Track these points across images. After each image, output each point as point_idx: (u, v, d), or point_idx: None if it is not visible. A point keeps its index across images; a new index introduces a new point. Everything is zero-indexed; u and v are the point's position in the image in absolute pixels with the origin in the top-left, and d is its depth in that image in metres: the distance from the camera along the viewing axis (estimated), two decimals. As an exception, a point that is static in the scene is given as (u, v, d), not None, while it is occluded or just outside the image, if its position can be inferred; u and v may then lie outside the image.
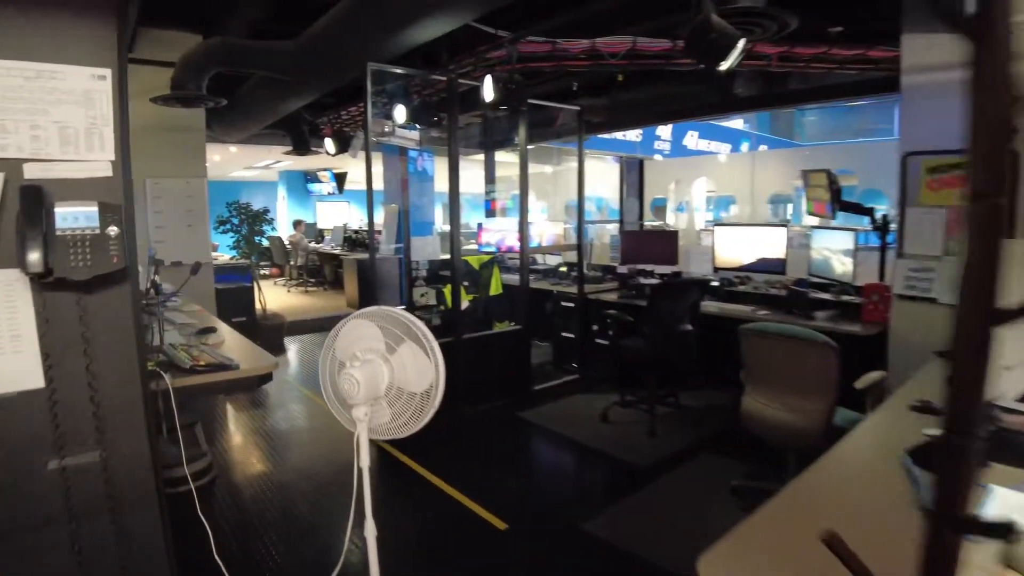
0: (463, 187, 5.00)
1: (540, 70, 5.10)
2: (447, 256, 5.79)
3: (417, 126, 5.21)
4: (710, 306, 4.73)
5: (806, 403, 2.99)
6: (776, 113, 20.25)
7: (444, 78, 4.59)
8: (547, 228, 6.91)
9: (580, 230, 5.54)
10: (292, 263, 11.35)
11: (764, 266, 5.20)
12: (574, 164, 9.57)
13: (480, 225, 7.26)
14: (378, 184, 10.38)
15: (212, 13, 5.34)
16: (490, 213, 7.85)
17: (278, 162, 11.44)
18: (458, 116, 4.45)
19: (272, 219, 7.61)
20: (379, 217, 10.61)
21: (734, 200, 8.65)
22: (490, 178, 7.82)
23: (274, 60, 4.95)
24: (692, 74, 5.73)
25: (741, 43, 2.99)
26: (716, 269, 5.44)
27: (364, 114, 3.99)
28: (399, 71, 4.23)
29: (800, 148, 12.38)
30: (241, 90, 6.70)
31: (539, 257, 7.19)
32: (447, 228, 4.99)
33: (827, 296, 4.57)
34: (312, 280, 11.15)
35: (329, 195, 13.58)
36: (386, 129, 6.72)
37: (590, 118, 5.91)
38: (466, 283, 6.17)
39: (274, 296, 10.67)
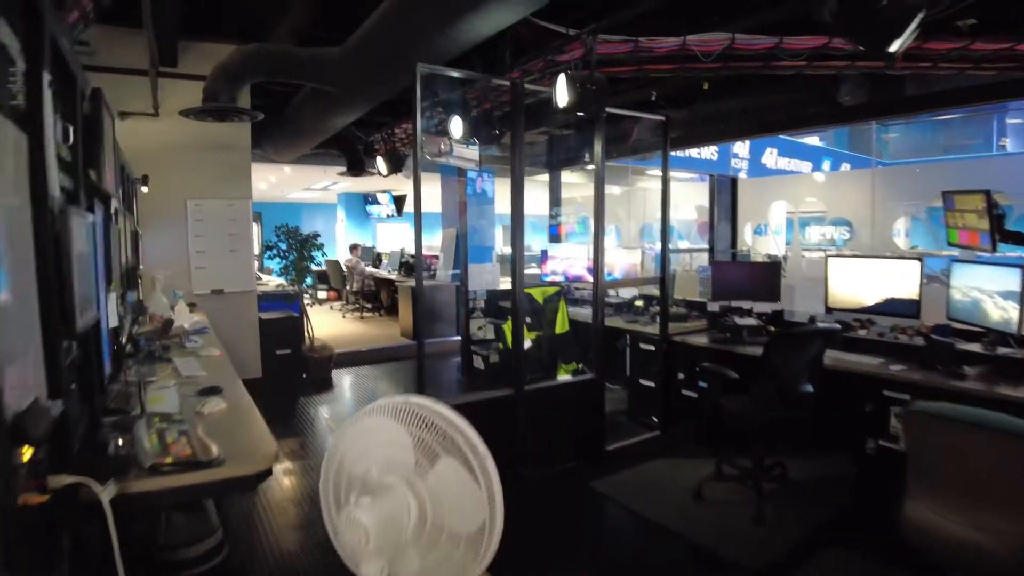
0: (527, 210, 4.31)
1: (617, 77, 4.36)
2: (508, 285, 5.11)
3: (476, 142, 4.53)
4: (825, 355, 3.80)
5: (1008, 522, 2.09)
6: (855, 129, 18.74)
7: (507, 83, 3.89)
8: (620, 257, 6.10)
9: (664, 260, 4.70)
10: (348, 288, 10.94)
11: (891, 307, 4.24)
12: (647, 184, 8.79)
13: (544, 252, 6.51)
14: (435, 206, 9.87)
15: (256, 22, 4.87)
16: (555, 238, 7.11)
17: (335, 183, 11.10)
18: (523, 128, 3.73)
19: (321, 244, 7.03)
20: (437, 241, 10.11)
21: (822, 221, 7.61)
22: (555, 200, 7.08)
23: (319, 68, 4.40)
24: (789, 81, 4.88)
25: (920, 15, 2.15)
26: (829, 309, 4.49)
27: (413, 125, 3.31)
28: (455, 74, 3.57)
29: (903, 165, 11.09)
30: (290, 106, 6.24)
31: (610, 289, 6.36)
32: (509, 251, 4.30)
33: (977, 348, 3.59)
34: (368, 306, 10.69)
35: (388, 217, 13.20)
36: (442, 148, 6.13)
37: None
38: (528, 319, 5.41)
39: (328, 322, 10.24)
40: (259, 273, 10.13)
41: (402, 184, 12.04)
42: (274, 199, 14.14)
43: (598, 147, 4.16)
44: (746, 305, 4.86)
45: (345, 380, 6.94)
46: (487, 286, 6.63)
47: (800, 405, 3.64)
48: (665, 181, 4.66)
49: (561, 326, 5.50)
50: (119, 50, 5.13)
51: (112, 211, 2.79)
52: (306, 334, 7.22)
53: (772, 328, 4.62)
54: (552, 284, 6.12)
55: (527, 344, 5.33)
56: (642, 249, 6.48)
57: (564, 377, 5.51)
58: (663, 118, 4.54)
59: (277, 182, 11.15)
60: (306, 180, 10.97)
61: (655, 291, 5.43)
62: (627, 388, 5.28)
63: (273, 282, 8.40)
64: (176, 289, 5.05)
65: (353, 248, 11.01)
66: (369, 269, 10.58)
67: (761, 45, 3.93)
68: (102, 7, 3.09)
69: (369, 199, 13.33)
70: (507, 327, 5.53)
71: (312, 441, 4.91)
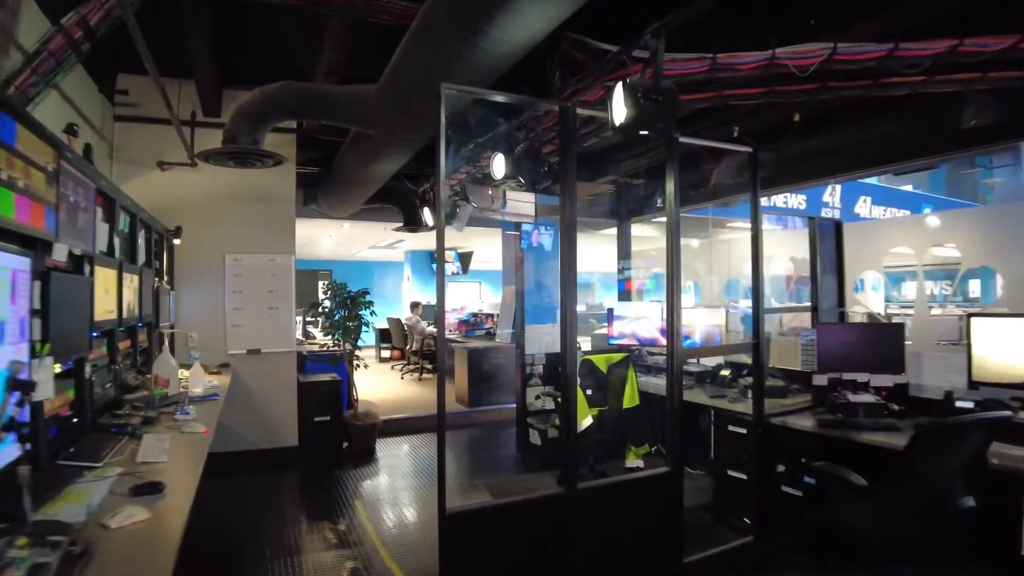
0: (595, 265, 3.62)
1: (691, 106, 3.65)
2: (579, 346, 4.36)
3: (521, 181, 3.87)
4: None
5: None
6: (953, 174, 16.86)
7: (555, 108, 3.25)
8: (700, 317, 5.20)
9: (758, 322, 3.80)
10: (408, 347, 10.45)
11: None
12: (730, 235, 7.82)
13: (611, 312, 5.69)
14: (494, 262, 9.19)
15: (298, 67, 4.50)
16: (624, 295, 6.28)
17: (399, 241, 10.81)
18: (574, 161, 3.05)
19: (370, 302, 6.51)
20: (498, 299, 9.50)
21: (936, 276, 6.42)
22: (625, 252, 6.30)
23: (351, 107, 3.94)
24: (897, 108, 3.99)
25: None
26: (974, 383, 3.44)
27: (436, 157, 2.70)
28: (499, 98, 2.96)
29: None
30: (337, 156, 5.89)
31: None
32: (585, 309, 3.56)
33: None
34: (429, 367, 10.12)
35: (454, 275, 12.81)
36: (493, 198, 5.54)
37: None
38: (588, 391, 4.59)
39: (384, 384, 9.71)
40: (313, 332, 9.82)
41: (467, 241, 11.64)
42: (343, 257, 14.09)
43: (670, 185, 3.41)
44: (861, 377, 3.86)
45: (389, 451, 6.25)
46: (546, 349, 5.86)
47: (954, 523, 2.62)
48: (756, 223, 3.82)
49: (630, 399, 4.63)
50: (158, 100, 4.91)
51: (59, 259, 2.28)
52: (351, 399, 6.65)
53: (895, 407, 3.61)
54: (620, 349, 5.27)
55: (587, 422, 4.51)
56: (727, 308, 5.55)
57: (635, 463, 4.61)
58: (750, 149, 3.74)
59: (339, 239, 10.98)
60: (369, 237, 10.74)
61: (744, 358, 4.49)
62: (711, 475, 4.30)
63: (321, 342, 7.98)
64: (193, 350, 4.59)
65: (414, 306, 10.57)
66: (429, 328, 10.05)
67: (869, 55, 3.13)
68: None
69: (435, 257, 12.96)
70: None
71: (341, 528, 4.20)
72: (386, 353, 11.83)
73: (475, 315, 10.57)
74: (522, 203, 5.64)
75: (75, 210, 2.44)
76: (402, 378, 10.13)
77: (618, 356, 4.73)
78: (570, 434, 3.21)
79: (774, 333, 4.71)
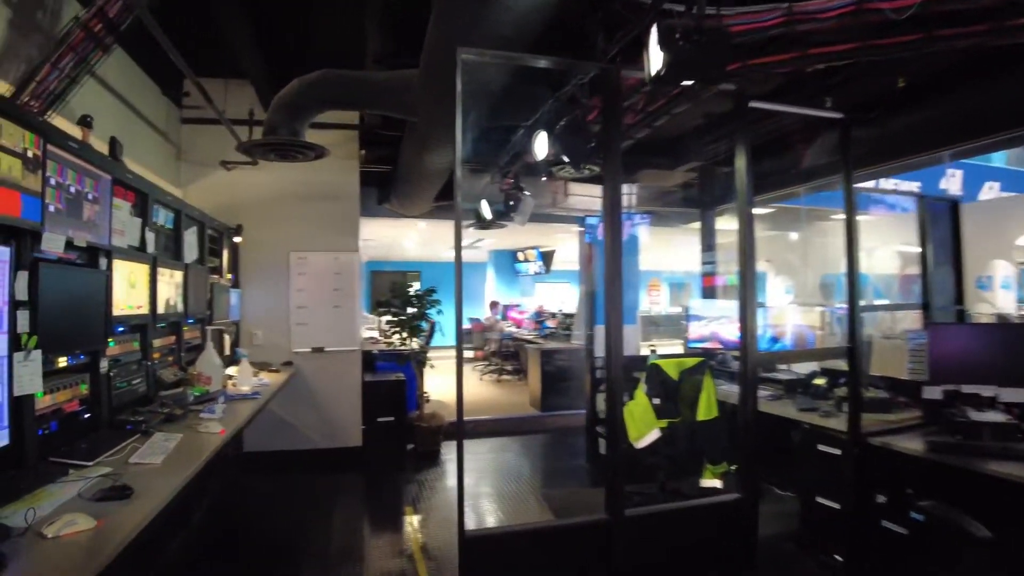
0: (680, 263, 3.17)
1: (765, 68, 3.10)
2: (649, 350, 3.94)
3: (566, 160, 3.48)
4: None
5: None
6: None
7: (597, 70, 2.85)
8: (792, 316, 4.58)
9: (853, 322, 3.20)
10: (487, 348, 10.27)
11: None
12: (829, 224, 6.95)
13: (688, 311, 5.16)
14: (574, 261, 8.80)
15: (348, 58, 4.37)
16: (708, 293, 5.71)
17: (480, 240, 10.66)
18: (619, 131, 2.65)
19: (437, 300, 6.33)
20: (575, 299, 9.10)
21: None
22: (708, 245, 5.72)
23: (393, 93, 3.73)
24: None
25: None
26: None
27: (453, 136, 2.41)
28: (531, 63, 2.61)
29: None
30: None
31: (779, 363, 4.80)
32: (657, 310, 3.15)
33: None
34: (509, 368, 9.89)
35: (536, 275, 12.50)
36: (556, 193, 5.18)
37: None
38: (656, 400, 4.12)
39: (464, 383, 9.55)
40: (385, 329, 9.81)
41: (550, 239, 11.31)
42: (428, 259, 14.17)
43: (740, 160, 2.92)
44: (986, 391, 3.15)
45: (455, 455, 6.02)
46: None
47: None
48: (850, 206, 3.22)
49: (706, 410, 4.10)
50: (221, 101, 4.96)
51: (55, 250, 2.19)
52: (419, 400, 6.50)
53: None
54: (696, 353, 4.75)
55: (653, 435, 4.05)
56: (824, 308, 4.88)
57: (712, 482, 4.09)
58: (840, 115, 3.16)
59: (420, 239, 10.98)
60: (449, 237, 10.67)
61: (843, 364, 3.86)
62: (798, 498, 3.71)
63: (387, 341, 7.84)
64: (239, 348, 4.58)
65: (492, 306, 10.37)
66: (509, 328, 9.81)
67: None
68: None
69: (520, 257, 12.78)
70: (632, 408, 4.28)
71: (384, 537, 4.00)
72: (469, 353, 11.73)
73: (540, 315, 10.21)
74: (586, 196, 5.26)
75: (78, 201, 2.35)
76: (480, 379, 9.96)
77: (692, 361, 4.22)
78: (615, 451, 2.81)
79: (877, 335, 4.03)
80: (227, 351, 5.07)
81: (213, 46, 4.09)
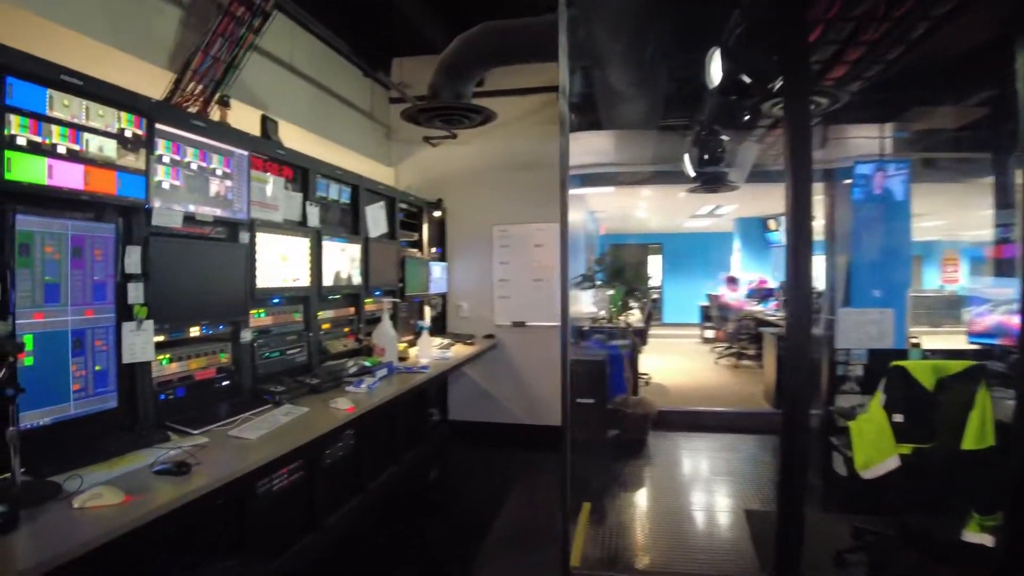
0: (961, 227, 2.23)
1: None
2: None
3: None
4: None
5: None
6: None
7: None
8: None
9: None
10: (724, 328, 9.21)
11: None
12: None
13: (968, 293, 3.74)
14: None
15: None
16: (1003, 269, 4.10)
17: (718, 207, 9.54)
18: (803, 28, 1.85)
19: (648, 276, 5.76)
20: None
21: None
22: (1005, 202, 4.10)
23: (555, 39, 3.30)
24: None
25: None
26: None
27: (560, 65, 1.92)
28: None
29: None
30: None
31: None
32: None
33: None
34: (751, 352, 8.74)
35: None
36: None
37: None
38: (897, 416, 3.06)
39: (694, 366, 8.75)
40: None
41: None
42: (669, 230, 13.31)
43: None
44: None
45: (665, 448, 5.43)
46: (867, 344, 4.23)
47: None
48: None
49: (977, 437, 2.90)
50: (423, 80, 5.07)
51: (172, 224, 2.30)
52: (632, 382, 6.02)
53: None
54: (968, 355, 3.44)
55: (890, 464, 3.02)
56: None
57: (978, 537, 2.93)
58: None
59: (654, 209, 10.26)
60: (687, 206, 9.75)
61: None
62: None
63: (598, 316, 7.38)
64: (420, 320, 4.59)
65: (730, 281, 9.23)
66: (751, 307, 8.63)
67: None
68: None
69: (769, 224, 11.12)
70: (862, 425, 3.23)
71: (543, 537, 3.71)
72: (710, 333, 10.70)
73: (757, 289, 8.69)
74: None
75: (202, 177, 2.45)
76: (715, 363, 8.98)
77: (958, 365, 3.02)
78: (790, 508, 2.07)
79: None
80: (428, 322, 5.26)
81: (406, 25, 4.15)
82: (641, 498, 4.28)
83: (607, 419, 5.55)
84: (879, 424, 3.12)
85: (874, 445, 3.12)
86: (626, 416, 5.64)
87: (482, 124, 3.74)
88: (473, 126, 3.78)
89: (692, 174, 4.54)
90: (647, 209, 10.13)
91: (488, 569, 3.25)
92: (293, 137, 3.56)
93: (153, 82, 2.61)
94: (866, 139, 4.88)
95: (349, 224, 3.88)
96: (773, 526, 3.72)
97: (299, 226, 3.23)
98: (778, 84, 2.62)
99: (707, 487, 4.43)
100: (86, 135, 1.90)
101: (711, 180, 4.45)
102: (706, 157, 4.09)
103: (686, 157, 4.49)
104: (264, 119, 3.03)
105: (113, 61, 2.47)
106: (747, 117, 3.54)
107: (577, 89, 4.30)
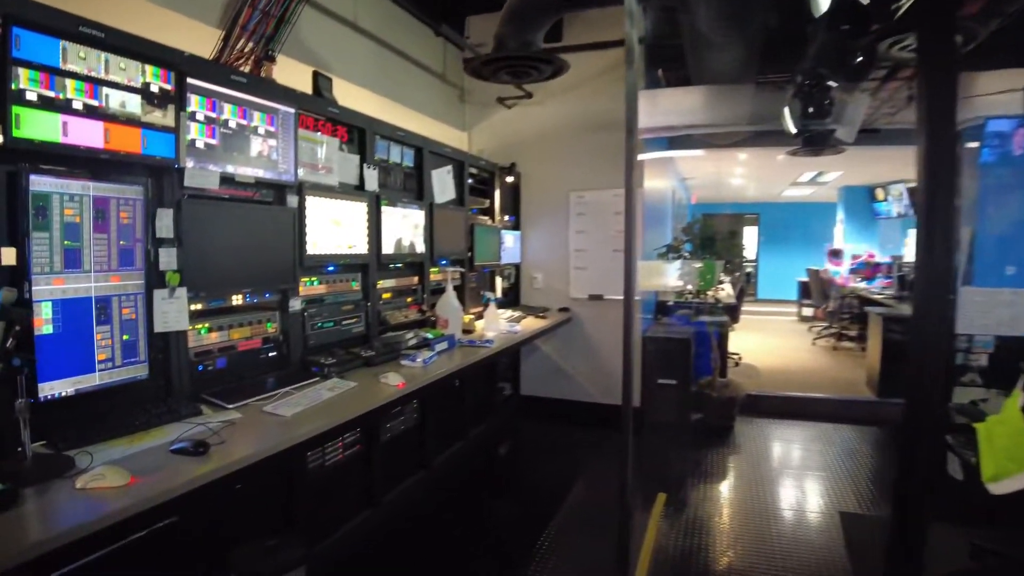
0: None
1: None
2: None
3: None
4: None
5: None
6: None
7: None
8: None
9: None
10: (824, 307, 8.40)
11: None
12: None
13: None
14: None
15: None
16: None
17: (821, 174, 8.64)
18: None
19: (740, 246, 5.25)
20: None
21: None
22: None
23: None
24: None
25: None
26: None
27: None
28: None
29: None
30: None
31: None
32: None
33: None
34: (852, 334, 7.93)
35: (902, 217, 9.50)
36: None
37: None
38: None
39: (789, 346, 8.09)
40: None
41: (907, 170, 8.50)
42: (767, 199, 12.34)
43: None
44: None
45: (753, 435, 4.97)
46: (998, 329, 3.60)
47: None
48: None
49: None
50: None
51: (208, 186, 2.16)
52: (719, 362, 5.57)
53: None
54: None
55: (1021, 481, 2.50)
56: None
57: None
58: None
59: (750, 175, 9.48)
60: (785, 173, 8.90)
61: None
62: None
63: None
64: (487, 293, 4.35)
65: (833, 255, 8.38)
66: (855, 284, 7.80)
67: None
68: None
69: (877, 194, 9.90)
70: (991, 428, 2.70)
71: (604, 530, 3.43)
72: (809, 311, 9.84)
73: (865, 263, 7.74)
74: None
75: (241, 135, 2.29)
76: (813, 343, 8.24)
77: None
78: (909, 518, 1.69)
79: None
80: (498, 294, 5.04)
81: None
82: (722, 490, 3.90)
83: (690, 402, 5.17)
84: (1016, 430, 2.59)
85: (1008, 454, 2.58)
86: (711, 399, 5.23)
87: (553, 77, 3.41)
88: (543, 79, 3.46)
89: (793, 131, 3.98)
90: (743, 176, 9.37)
91: (555, 553, 3.03)
92: (354, 98, 3.38)
93: (202, 40, 2.49)
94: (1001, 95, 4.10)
95: (413, 189, 3.69)
96: (871, 532, 3.31)
97: (356, 190, 3.07)
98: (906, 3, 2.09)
99: (797, 482, 3.98)
100: (105, 90, 1.77)
101: (814, 140, 3.87)
102: (810, 110, 3.53)
103: (786, 111, 3.90)
104: (316, 75, 2.85)
105: (160, 19, 2.36)
106: (860, 59, 2.95)
107: (659, 34, 3.87)
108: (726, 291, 6.46)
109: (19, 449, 1.52)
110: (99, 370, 1.80)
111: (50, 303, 1.67)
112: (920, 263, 1.76)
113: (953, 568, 2.83)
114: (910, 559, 1.78)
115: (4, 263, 1.61)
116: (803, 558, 2.96)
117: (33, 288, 1.63)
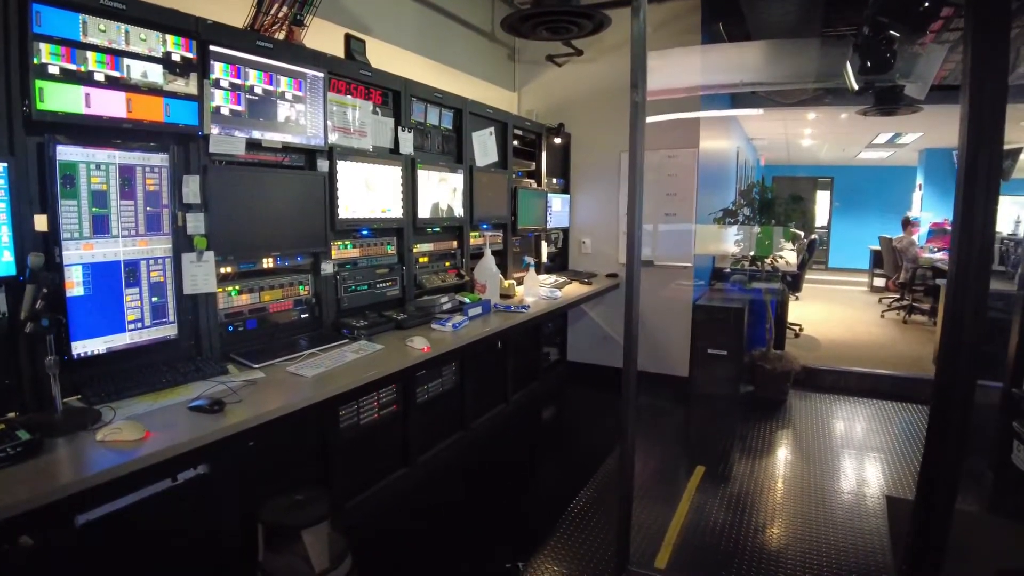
0: None
1: None
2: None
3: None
4: None
5: None
6: None
7: None
8: None
9: None
10: (896, 278, 7.85)
11: None
12: None
13: None
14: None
15: None
16: None
17: (899, 136, 7.97)
18: None
19: (802, 211, 4.94)
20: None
21: None
22: None
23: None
24: None
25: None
26: None
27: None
28: None
29: None
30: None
31: None
32: None
33: None
34: (924, 307, 7.39)
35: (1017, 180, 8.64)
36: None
37: None
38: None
39: (857, 318, 7.66)
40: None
41: (1016, 130, 7.67)
42: (841, 162, 11.55)
43: None
44: None
45: (808, 411, 4.78)
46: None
47: None
48: None
49: None
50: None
51: (234, 152, 2.21)
52: (776, 333, 5.35)
53: None
54: None
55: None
56: None
57: None
58: None
59: (822, 137, 8.87)
60: (860, 134, 8.26)
61: None
62: None
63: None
64: (528, 257, 4.28)
65: (907, 224, 7.78)
66: (930, 255, 7.24)
67: None
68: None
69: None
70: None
71: (639, 505, 3.40)
72: (880, 282, 9.25)
73: (941, 229, 7.11)
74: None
75: (268, 101, 2.31)
76: (882, 316, 7.75)
77: None
78: (934, 498, 1.58)
79: None
80: (544, 259, 4.98)
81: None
82: (765, 467, 3.78)
83: (741, 373, 5.00)
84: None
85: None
86: (763, 371, 5.04)
87: (594, 33, 3.26)
88: (584, 35, 3.31)
89: (855, 87, 3.64)
90: (813, 136, 8.79)
91: (583, 517, 3.05)
92: (395, 59, 3.35)
93: (237, 7, 2.50)
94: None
95: (452, 152, 3.65)
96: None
97: (391, 153, 3.06)
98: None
99: (847, 462, 3.80)
100: (126, 60, 1.81)
101: (884, 97, 3.53)
102: (868, 64, 3.21)
103: (847, 66, 3.56)
104: (348, 38, 2.83)
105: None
106: (926, 4, 2.61)
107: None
108: (786, 259, 6.14)
109: (51, 402, 1.63)
110: (129, 330, 1.90)
111: (80, 267, 1.76)
112: (958, 231, 1.60)
113: (1007, 567, 2.65)
114: (929, 548, 1.67)
115: (37, 229, 1.71)
116: (841, 542, 2.84)
117: (64, 253, 1.72)
